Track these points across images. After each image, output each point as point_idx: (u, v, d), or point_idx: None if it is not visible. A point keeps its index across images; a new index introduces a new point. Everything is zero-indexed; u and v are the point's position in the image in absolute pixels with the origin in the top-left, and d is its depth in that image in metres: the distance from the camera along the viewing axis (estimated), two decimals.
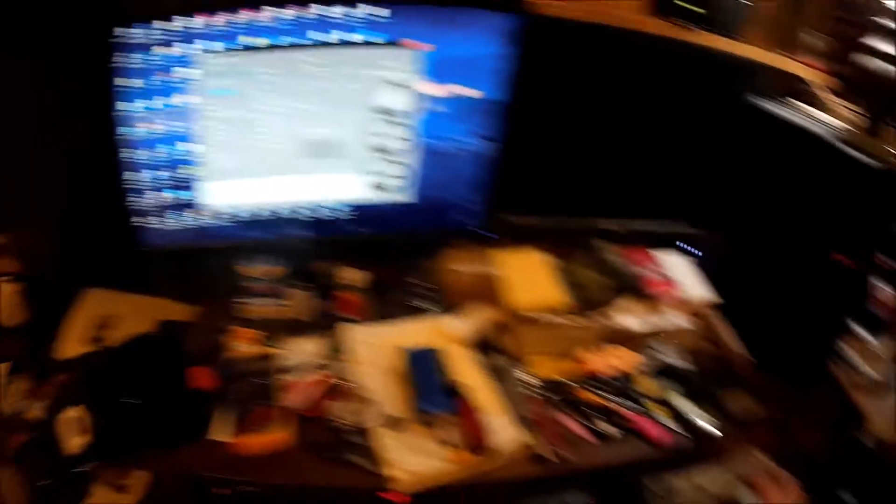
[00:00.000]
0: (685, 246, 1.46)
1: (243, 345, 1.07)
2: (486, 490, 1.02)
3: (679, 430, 1.16)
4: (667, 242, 1.44)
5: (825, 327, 1.33)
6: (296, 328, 1.13)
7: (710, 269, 1.41)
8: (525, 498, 1.10)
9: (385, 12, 0.98)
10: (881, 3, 1.25)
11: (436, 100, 1.12)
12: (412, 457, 0.95)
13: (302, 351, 1.07)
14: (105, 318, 1.13)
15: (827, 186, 1.21)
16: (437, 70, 1.09)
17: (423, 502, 0.96)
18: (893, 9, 1.22)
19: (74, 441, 0.94)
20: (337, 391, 1.01)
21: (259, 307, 1.14)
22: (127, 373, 1.01)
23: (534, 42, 1.12)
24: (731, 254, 1.42)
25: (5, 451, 0.98)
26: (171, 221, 1.12)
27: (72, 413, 0.95)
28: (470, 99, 1.13)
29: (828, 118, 1.34)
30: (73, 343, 1.09)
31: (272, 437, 0.94)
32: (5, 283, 1.14)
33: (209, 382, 1.00)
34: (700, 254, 1.46)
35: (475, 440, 0.97)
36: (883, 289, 1.42)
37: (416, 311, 1.22)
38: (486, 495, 1.05)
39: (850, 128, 1.25)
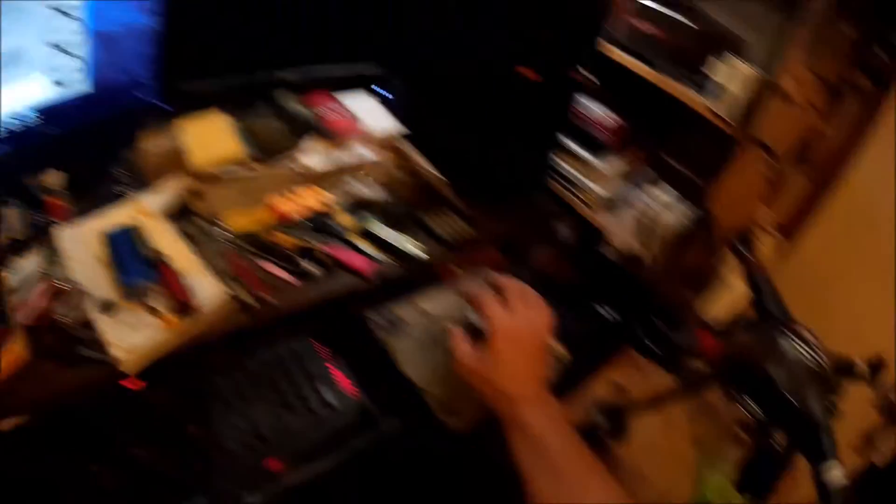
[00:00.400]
0: (377, 88, 1.46)
1: None
2: (204, 351, 0.99)
3: (384, 258, 1.19)
4: (356, 85, 1.43)
5: (531, 147, 1.46)
6: (17, 247, 1.02)
7: (404, 103, 1.44)
8: (248, 353, 1.07)
9: None
10: None
11: None
12: (130, 334, 0.91)
13: (24, 268, 0.98)
14: None
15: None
16: None
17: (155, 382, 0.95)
18: None
19: None
20: (59, 294, 0.93)
21: None
22: None
23: None
24: (425, 85, 1.45)
25: None
26: None
27: None
28: None
29: None
30: None
31: (11, 357, 0.84)
32: None
33: None
34: (391, 94, 1.47)
35: (180, 303, 0.94)
36: (587, 105, 1.57)
37: (118, 199, 1.16)
38: (206, 355, 1.01)
39: None
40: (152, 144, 1.18)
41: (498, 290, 0.88)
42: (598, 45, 1.37)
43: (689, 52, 1.38)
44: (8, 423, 0.86)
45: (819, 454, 0.72)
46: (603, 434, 1.05)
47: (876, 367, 1.01)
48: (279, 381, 1.03)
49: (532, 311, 0.84)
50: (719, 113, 1.25)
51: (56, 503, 0.86)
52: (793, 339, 0.81)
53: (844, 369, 0.97)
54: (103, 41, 1.07)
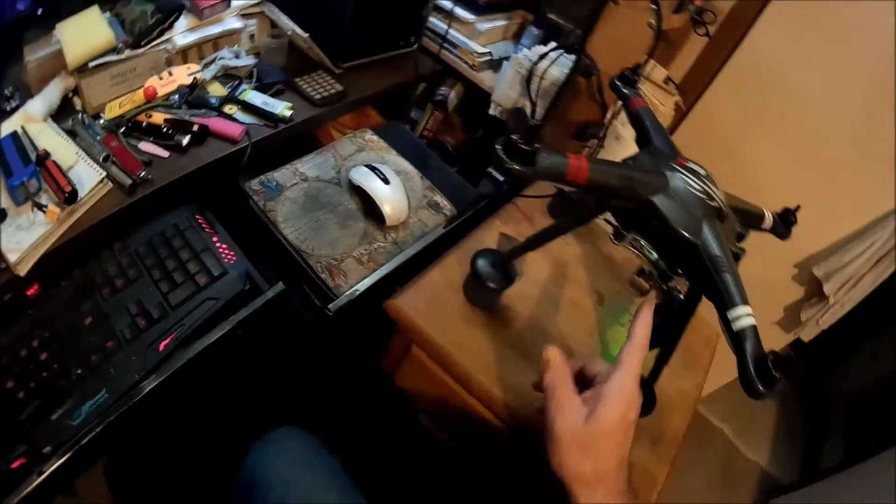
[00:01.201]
0: None
1: None
2: (93, 238, 1.05)
3: (256, 123, 1.26)
4: None
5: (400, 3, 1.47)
6: None
7: None
8: (135, 229, 1.13)
9: None
10: None
11: None
12: (23, 236, 0.96)
13: None
14: None
15: None
16: None
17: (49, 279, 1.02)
18: None
19: None
20: None
21: None
22: None
23: None
24: None
25: None
26: None
27: None
28: None
29: None
30: None
31: None
32: None
33: None
34: None
35: (64, 194, 0.99)
36: None
37: (5, 114, 1.22)
38: (96, 243, 1.08)
39: None
40: (32, 53, 1.23)
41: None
42: None
43: None
44: None
45: (724, 297, 0.69)
46: (494, 286, 1.04)
47: (785, 217, 1.03)
48: (162, 256, 1.09)
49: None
50: None
51: None
52: (682, 173, 0.78)
53: (752, 217, 0.99)
54: None
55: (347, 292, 1.10)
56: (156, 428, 1.09)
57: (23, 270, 0.96)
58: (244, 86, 1.31)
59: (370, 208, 1.25)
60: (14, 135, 1.09)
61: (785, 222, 1.01)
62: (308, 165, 1.33)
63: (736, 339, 0.67)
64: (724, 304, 0.69)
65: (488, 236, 1.24)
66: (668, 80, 1.45)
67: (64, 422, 0.88)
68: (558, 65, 1.36)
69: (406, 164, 1.42)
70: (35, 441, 0.86)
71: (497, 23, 1.66)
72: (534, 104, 1.42)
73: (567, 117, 1.42)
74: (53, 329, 0.98)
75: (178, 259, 1.09)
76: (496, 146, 0.67)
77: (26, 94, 1.22)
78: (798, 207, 1.01)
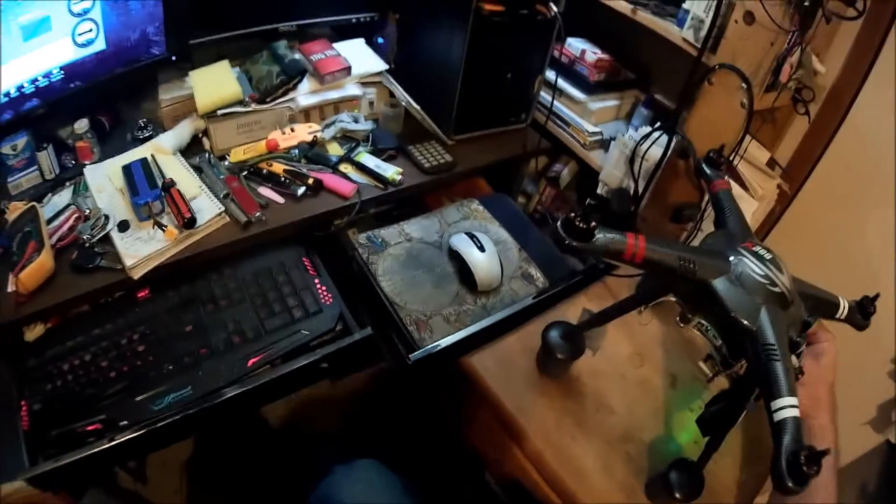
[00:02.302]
0: (370, 34, 1.74)
1: (15, 213, 1.24)
2: (204, 261, 1.26)
3: (367, 183, 1.44)
4: (350, 32, 1.71)
5: (510, 81, 1.64)
6: (52, 184, 1.34)
7: (392, 45, 1.73)
8: (245, 260, 1.33)
9: None
10: None
11: None
12: (140, 247, 1.19)
13: (56, 201, 1.30)
14: None
15: None
16: None
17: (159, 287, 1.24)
18: None
19: None
20: (84, 219, 1.23)
21: (21, 179, 1.31)
22: None
23: None
24: (409, 28, 1.70)
25: None
26: None
27: None
28: None
29: None
30: None
31: (38, 268, 1.11)
32: None
33: None
34: (381, 39, 1.75)
35: (184, 219, 1.21)
36: (573, 44, 1.74)
37: (138, 141, 1.45)
38: (206, 266, 1.28)
39: None
40: (166, 93, 1.51)
41: None
42: None
43: None
44: (33, 333, 1.14)
45: (771, 386, 0.73)
46: (562, 357, 1.13)
47: (863, 306, 1.03)
48: (266, 288, 1.28)
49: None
50: (691, 41, 1.36)
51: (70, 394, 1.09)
52: (747, 257, 0.82)
53: (824, 305, 1.00)
54: (114, 5, 1.33)
55: (429, 346, 1.24)
56: (236, 433, 1.28)
57: (136, 275, 1.17)
58: (360, 148, 1.52)
59: (465, 273, 1.38)
60: (143, 161, 1.34)
61: (863, 312, 1.01)
62: (414, 227, 1.50)
63: (776, 429, 0.71)
64: (769, 394, 0.74)
65: (572, 310, 1.35)
66: (771, 162, 1.52)
67: (146, 404, 1.06)
68: (659, 145, 1.45)
69: (505, 235, 1.56)
70: (114, 414, 1.04)
71: (609, 102, 1.77)
72: (637, 185, 1.53)
73: (665, 199, 1.49)
74: (155, 328, 1.18)
75: (279, 292, 1.27)
76: (556, 224, 0.77)
77: (158, 127, 1.49)
78: (878, 296, 1.00)
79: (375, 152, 1.52)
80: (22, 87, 1.25)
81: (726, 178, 1.16)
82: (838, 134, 1.51)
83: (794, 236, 1.36)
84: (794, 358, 0.80)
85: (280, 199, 1.37)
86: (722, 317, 0.79)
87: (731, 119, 1.35)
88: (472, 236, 1.41)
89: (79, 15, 1.27)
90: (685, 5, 1.39)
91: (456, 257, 1.40)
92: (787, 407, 0.70)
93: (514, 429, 1.11)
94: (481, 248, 1.38)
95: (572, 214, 0.75)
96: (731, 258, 0.82)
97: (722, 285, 0.79)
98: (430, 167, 1.54)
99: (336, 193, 1.41)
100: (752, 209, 1.44)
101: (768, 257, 0.84)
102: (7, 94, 1.24)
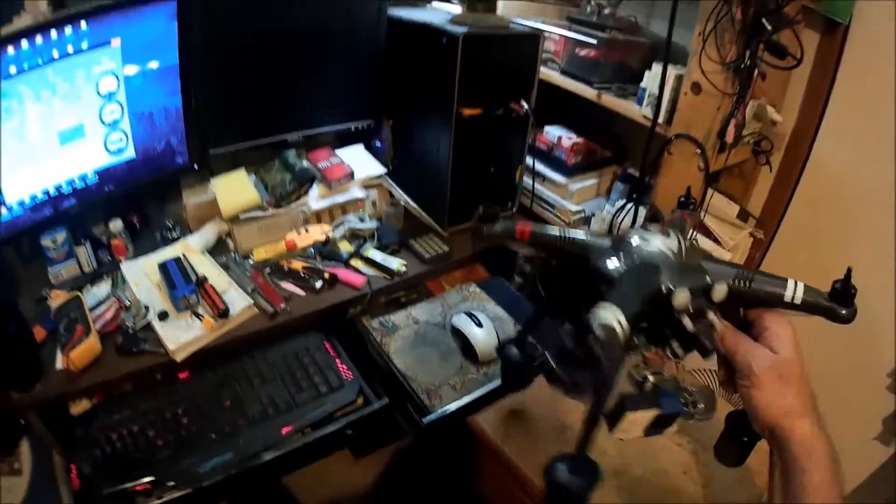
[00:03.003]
0: (369, 140, 2.05)
1: (58, 300, 1.47)
2: (237, 346, 1.48)
3: (376, 275, 1.69)
4: (350, 139, 2.01)
5: (495, 174, 1.89)
6: (91, 277, 1.59)
7: (388, 150, 2.01)
8: (270, 347, 1.55)
9: (84, 26, 1.41)
10: None
11: (132, 77, 1.54)
12: (180, 334, 1.41)
13: (96, 292, 1.53)
14: None
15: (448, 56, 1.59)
16: (130, 55, 1.51)
17: (197, 369, 1.44)
18: None
19: None
20: (124, 308, 1.46)
21: (61, 270, 1.56)
22: None
23: (195, 12, 1.57)
24: (402, 133, 1.97)
25: None
26: None
27: None
28: (156, 69, 1.57)
29: (445, 6, 2.01)
30: None
31: (86, 348, 1.33)
32: None
33: (41, 335, 1.39)
34: (379, 143, 2.04)
35: (218, 310, 1.44)
36: (549, 131, 2.04)
37: (167, 241, 1.71)
38: (239, 350, 1.51)
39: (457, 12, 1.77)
40: (190, 197, 1.74)
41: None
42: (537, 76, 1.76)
43: (625, 64, 1.75)
44: (79, 407, 1.35)
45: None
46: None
47: (839, 291, 0.77)
48: (294, 368, 1.50)
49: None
50: (649, 117, 1.59)
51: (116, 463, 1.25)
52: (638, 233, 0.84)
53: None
54: (140, 118, 1.59)
55: (440, 410, 1.46)
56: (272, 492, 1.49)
57: (179, 357, 1.39)
58: (367, 244, 1.77)
59: (467, 347, 1.60)
60: (178, 259, 1.59)
61: (840, 298, 0.78)
62: (420, 310, 1.76)
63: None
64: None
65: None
66: (744, 214, 1.70)
67: (191, 467, 1.22)
68: (631, 212, 1.70)
69: (502, 312, 1.80)
70: (163, 474, 1.20)
71: (588, 181, 2.01)
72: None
73: None
74: (196, 404, 1.37)
75: (306, 371, 1.50)
76: (477, 216, 0.95)
77: (185, 228, 1.75)
78: (849, 272, 0.78)
79: (381, 247, 1.78)
80: (60, 186, 1.52)
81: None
82: (804, 175, 1.67)
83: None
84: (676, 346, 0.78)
85: (301, 292, 1.61)
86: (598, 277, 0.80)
87: (693, 182, 1.55)
88: (470, 315, 1.66)
89: (110, 125, 1.54)
90: (642, 84, 1.64)
91: (458, 334, 1.63)
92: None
93: (518, 475, 1.29)
94: (479, 325, 1.61)
95: (481, 210, 0.95)
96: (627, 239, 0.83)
97: (600, 253, 0.81)
98: (430, 258, 1.78)
99: (349, 285, 1.65)
100: (726, 259, 1.57)
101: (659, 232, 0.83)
102: (46, 193, 1.50)
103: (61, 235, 1.58)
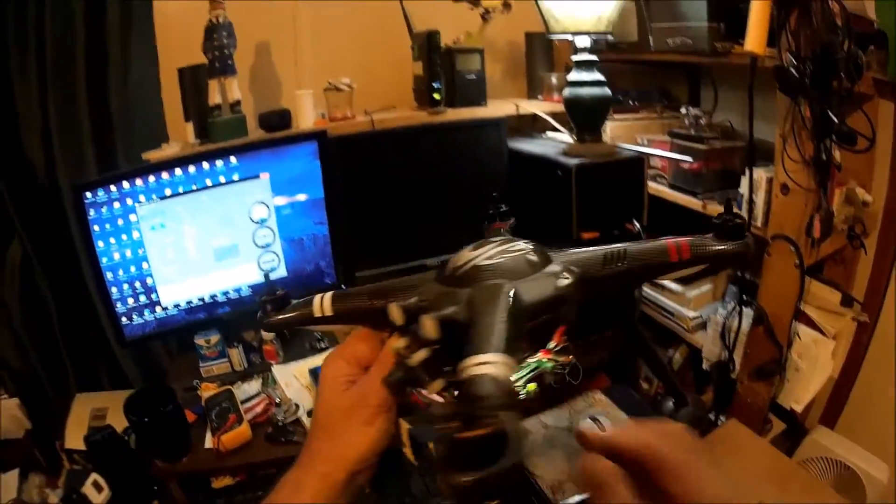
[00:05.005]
0: None
1: (208, 391, 1.90)
2: None
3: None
4: None
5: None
6: (241, 375, 2.03)
7: None
8: None
9: (235, 160, 1.95)
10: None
11: (282, 206, 2.04)
12: None
13: (247, 389, 1.95)
14: (96, 410, 2.05)
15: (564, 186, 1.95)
16: (278, 187, 2.02)
17: None
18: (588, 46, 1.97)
19: (98, 499, 1.75)
20: (275, 404, 1.86)
21: (212, 366, 2.02)
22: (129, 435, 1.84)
23: (334, 152, 2.10)
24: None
25: None
26: (140, 318, 2.01)
27: (91, 479, 1.78)
28: (304, 201, 2.08)
29: (557, 137, 2.37)
30: (74, 434, 1.97)
31: (239, 434, 1.75)
32: (3, 401, 2.07)
33: (191, 418, 1.84)
34: None
35: None
36: None
37: (315, 350, 2.14)
38: None
39: (568, 142, 2.14)
40: None
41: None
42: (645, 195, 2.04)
43: (726, 170, 2.03)
44: (221, 482, 1.73)
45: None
46: None
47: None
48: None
49: None
50: (749, 221, 1.82)
51: None
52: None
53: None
54: (291, 243, 2.02)
55: (562, 502, 1.84)
56: None
57: None
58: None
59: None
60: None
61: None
62: (549, 417, 2.01)
63: None
64: None
65: None
66: (848, 299, 1.87)
67: None
68: (745, 317, 1.95)
69: (624, 416, 2.14)
70: None
71: (703, 288, 2.26)
72: (731, 355, 2.08)
73: (752, 361, 1.93)
74: None
75: None
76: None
77: (332, 340, 2.19)
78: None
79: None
80: (215, 295, 1.99)
81: None
82: None
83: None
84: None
85: (439, 398, 2.04)
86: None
87: (791, 278, 1.78)
88: (595, 420, 2.01)
89: (263, 247, 2.01)
90: (740, 188, 1.92)
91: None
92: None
93: None
94: (601, 429, 1.98)
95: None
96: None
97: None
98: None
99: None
100: (829, 349, 1.82)
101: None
102: (202, 299, 1.99)
103: (215, 337, 2.06)
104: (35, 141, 2.25)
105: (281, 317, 0.82)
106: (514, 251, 0.73)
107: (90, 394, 2.30)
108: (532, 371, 0.72)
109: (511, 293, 0.64)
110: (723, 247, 0.74)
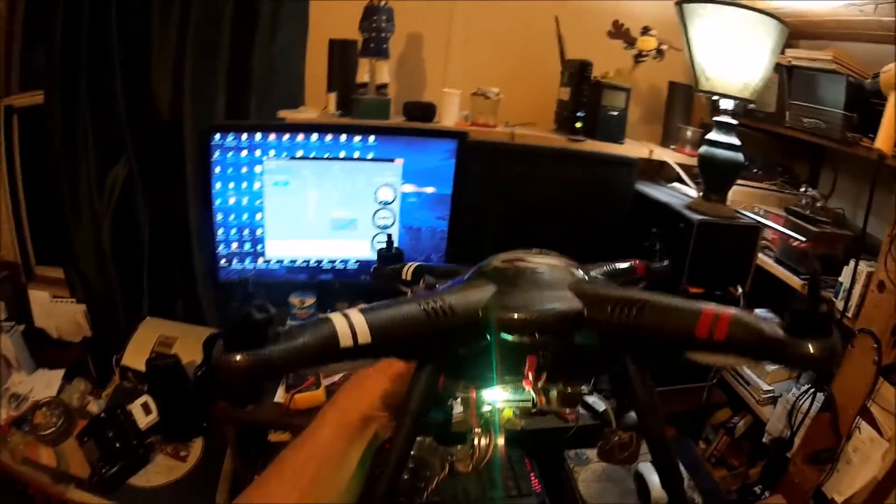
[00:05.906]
0: None
1: None
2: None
3: (583, 411, 2.14)
4: None
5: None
6: None
7: None
8: None
9: (373, 139, 2.10)
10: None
11: (409, 194, 2.19)
12: None
13: None
14: (164, 337, 2.21)
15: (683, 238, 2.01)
16: (409, 175, 2.17)
17: None
18: (730, 109, 2.04)
19: (144, 420, 1.76)
20: None
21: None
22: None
23: (471, 155, 2.24)
24: None
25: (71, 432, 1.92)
26: (239, 264, 2.19)
27: (142, 400, 1.78)
28: (430, 193, 2.22)
29: (683, 189, 2.51)
30: (134, 353, 2.15)
31: (313, 396, 1.89)
32: (68, 304, 2.31)
33: None
34: None
35: None
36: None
37: None
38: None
39: (695, 196, 2.25)
40: None
41: None
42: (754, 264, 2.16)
43: (831, 255, 2.10)
44: (278, 437, 1.91)
45: None
46: None
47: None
48: (493, 468, 1.82)
49: None
50: (840, 310, 1.93)
51: None
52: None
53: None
54: (409, 230, 2.15)
55: None
56: None
57: None
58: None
59: (643, 491, 2.03)
60: None
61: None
62: None
63: None
64: None
65: None
66: None
67: None
68: (816, 401, 2.06)
69: (682, 470, 2.32)
70: None
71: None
72: (793, 434, 2.13)
73: (810, 444, 2.06)
74: None
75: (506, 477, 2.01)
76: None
77: None
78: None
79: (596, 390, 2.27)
80: (321, 261, 2.13)
81: None
82: None
83: None
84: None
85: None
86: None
87: (865, 374, 1.89)
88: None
89: (381, 228, 2.17)
90: (840, 277, 2.05)
91: (640, 479, 2.06)
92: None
93: None
94: None
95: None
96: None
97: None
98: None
99: (561, 416, 2.15)
100: (882, 450, 1.90)
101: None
102: (307, 262, 2.13)
103: (311, 299, 2.22)
104: (164, 81, 2.48)
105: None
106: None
107: (161, 320, 2.45)
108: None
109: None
110: (792, 341, 0.62)
